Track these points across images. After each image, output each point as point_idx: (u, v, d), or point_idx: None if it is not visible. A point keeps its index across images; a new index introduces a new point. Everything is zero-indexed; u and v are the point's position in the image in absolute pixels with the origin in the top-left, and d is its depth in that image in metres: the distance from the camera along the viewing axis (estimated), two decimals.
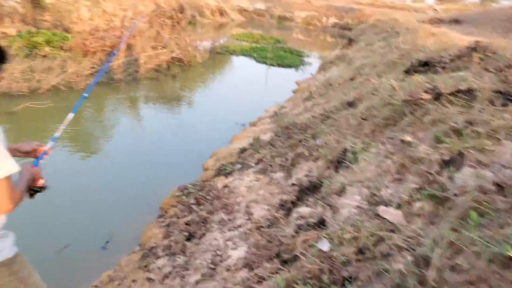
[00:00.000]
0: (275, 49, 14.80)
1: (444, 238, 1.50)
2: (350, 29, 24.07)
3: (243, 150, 5.32)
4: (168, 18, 11.40)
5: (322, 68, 10.30)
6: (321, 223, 2.23)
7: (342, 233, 1.98)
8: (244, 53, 14.62)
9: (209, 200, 3.94)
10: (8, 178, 1.47)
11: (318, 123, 4.21)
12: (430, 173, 2.12)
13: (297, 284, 1.80)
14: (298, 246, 2.10)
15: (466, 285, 1.31)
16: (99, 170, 5.21)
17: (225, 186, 4.14)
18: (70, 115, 1.89)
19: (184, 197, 4.20)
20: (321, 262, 1.86)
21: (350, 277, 1.75)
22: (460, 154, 2.08)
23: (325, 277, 1.79)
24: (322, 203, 2.48)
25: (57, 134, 1.90)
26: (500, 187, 1.69)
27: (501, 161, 1.92)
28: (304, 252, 2.04)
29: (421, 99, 2.74)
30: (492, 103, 2.34)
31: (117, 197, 4.55)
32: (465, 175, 1.92)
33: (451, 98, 2.58)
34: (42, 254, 3.22)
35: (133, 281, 2.98)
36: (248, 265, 2.47)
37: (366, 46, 9.97)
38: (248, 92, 10.17)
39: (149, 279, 2.93)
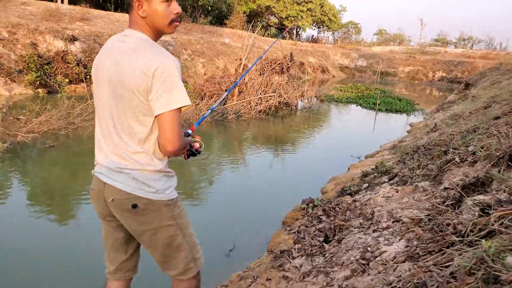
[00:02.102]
0: (382, 97, 14.42)
1: None
2: (459, 82, 22.62)
3: (366, 174, 4.99)
4: (278, 66, 12.01)
5: (441, 108, 9.59)
6: None
7: None
8: (350, 101, 14.52)
9: (339, 211, 3.67)
10: (178, 112, 1.46)
11: (464, 136, 3.75)
12: None
13: (509, 250, 1.43)
14: (494, 223, 1.72)
15: None
16: (221, 193, 5.31)
17: (355, 201, 3.84)
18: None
19: (310, 209, 4.00)
20: None
21: None
22: None
23: None
24: (506, 189, 2.07)
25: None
26: None
27: None
28: (504, 228, 1.66)
29: None
30: None
31: (237, 215, 4.54)
32: None
33: None
34: None
35: (268, 279, 2.79)
36: (412, 257, 2.12)
37: (492, 85, 9.10)
38: (357, 133, 9.91)
39: (286, 277, 2.71)
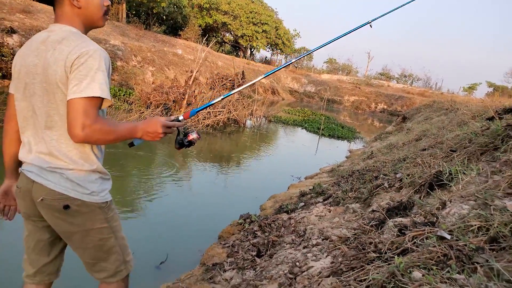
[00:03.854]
0: (327, 123, 15.06)
1: None
2: (398, 115, 24.31)
3: (303, 194, 5.15)
4: (229, 82, 12.15)
5: (378, 138, 10.22)
6: (430, 224, 2.00)
7: (465, 225, 1.76)
8: (296, 124, 14.98)
9: (274, 228, 3.74)
10: (92, 101, 1.36)
11: (394, 164, 4.04)
12: None
13: (418, 267, 1.57)
14: (408, 242, 1.87)
15: None
16: (157, 206, 5.19)
17: (290, 218, 3.95)
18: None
19: (246, 224, 4.04)
20: (445, 248, 1.63)
21: (487, 262, 1.50)
22: None
23: (452, 263, 1.55)
24: (422, 213, 2.26)
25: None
26: None
27: None
28: (415, 246, 1.81)
29: None
30: None
31: (174, 228, 4.45)
32: None
33: None
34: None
35: None
36: (335, 273, 2.22)
37: (425, 120, 9.90)
38: (300, 155, 10.22)
39: None
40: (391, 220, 2.39)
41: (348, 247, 2.43)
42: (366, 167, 4.67)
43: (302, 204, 4.46)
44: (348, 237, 2.52)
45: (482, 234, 1.65)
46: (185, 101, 11.03)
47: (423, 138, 6.18)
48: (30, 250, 1.68)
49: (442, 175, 2.67)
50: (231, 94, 2.25)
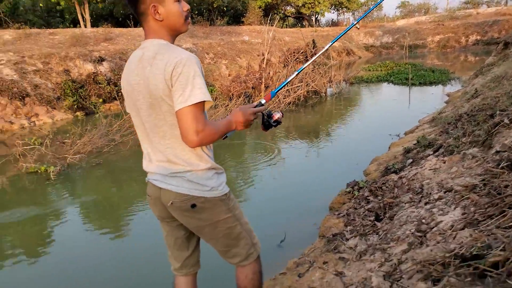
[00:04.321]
0: (414, 70, 13.94)
1: None
2: (497, 43, 21.39)
3: (408, 150, 4.86)
4: (301, 54, 11.92)
5: (479, 73, 9.15)
6: None
7: None
8: (380, 79, 14.16)
9: (386, 190, 3.61)
10: (198, 106, 1.44)
11: (511, 96, 3.58)
12: None
13: None
14: None
15: None
16: (262, 189, 5.35)
17: (401, 177, 3.77)
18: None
19: (356, 192, 3.97)
20: None
21: None
22: None
23: None
24: None
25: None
26: None
27: None
28: None
29: None
30: None
31: (284, 209, 4.56)
32: None
33: None
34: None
35: (324, 262, 2.79)
36: (471, 223, 2.07)
37: None
38: (393, 111, 9.65)
39: (343, 259, 2.71)
40: None
41: (478, 195, 2.24)
42: (475, 107, 4.22)
43: (410, 161, 4.22)
44: (476, 185, 2.32)
45: None
46: (262, 85, 11.14)
47: None
48: (171, 247, 1.88)
49: None
50: (304, 68, 2.20)
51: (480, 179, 2.36)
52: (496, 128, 3.05)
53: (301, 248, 3.40)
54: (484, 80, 7.18)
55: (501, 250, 1.59)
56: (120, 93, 13.14)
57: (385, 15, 41.60)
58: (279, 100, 10.77)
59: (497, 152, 2.79)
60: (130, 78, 1.60)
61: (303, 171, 5.80)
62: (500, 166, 2.26)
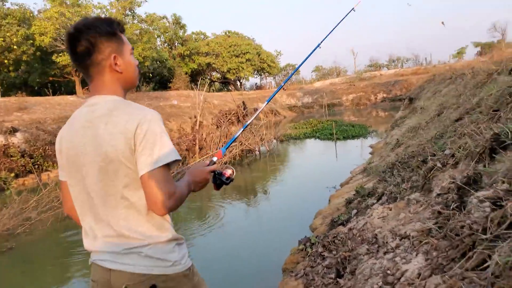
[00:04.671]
0: (337, 126, 14.98)
1: None
2: (401, 100, 24.17)
3: (350, 201, 4.99)
4: (234, 116, 12.20)
5: (395, 125, 10.08)
6: None
7: None
8: (307, 136, 14.91)
9: (339, 244, 3.57)
10: (166, 168, 1.30)
11: (435, 142, 3.90)
12: None
13: None
14: (511, 213, 1.72)
15: None
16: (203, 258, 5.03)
17: (351, 229, 3.78)
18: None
19: (309, 249, 3.87)
20: None
21: None
22: None
23: None
24: (504, 180, 2.12)
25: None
26: None
27: None
28: None
29: None
30: None
31: (233, 275, 4.28)
32: None
33: None
34: None
35: None
36: (437, 269, 2.06)
37: (434, 95, 9.79)
38: (324, 165, 10.07)
39: None
40: (472, 197, 2.24)
41: (436, 239, 2.27)
42: (405, 155, 4.52)
43: (355, 211, 4.30)
44: (431, 228, 2.36)
45: None
46: (197, 147, 11.04)
47: (445, 111, 6.05)
48: None
49: (501, 137, 2.54)
50: (249, 124, 2.25)
51: (434, 222, 2.42)
52: (432, 172, 3.25)
53: None
54: (401, 131, 7.87)
55: None
56: (36, 165, 12.02)
57: (303, 78, 45.21)
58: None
59: (438, 194, 2.93)
60: (75, 140, 1.37)
61: (248, 233, 5.61)
62: (451, 207, 2.35)
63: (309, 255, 3.72)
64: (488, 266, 1.61)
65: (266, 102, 2.47)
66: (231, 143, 1.94)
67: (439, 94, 9.37)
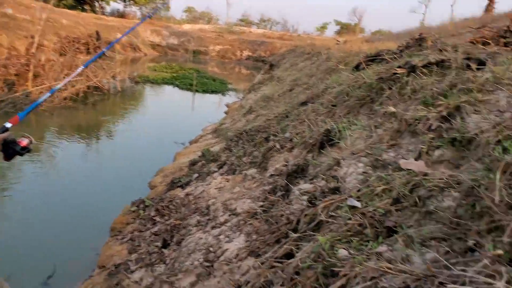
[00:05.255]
0: (198, 77, 14.75)
1: (500, 161, 1.49)
2: (263, 61, 25.28)
3: (194, 163, 5.00)
4: (83, 45, 10.66)
5: (252, 89, 10.47)
6: (336, 190, 2.10)
7: (370, 190, 1.87)
8: (166, 82, 14.28)
9: (173, 209, 3.55)
10: None
11: (280, 122, 4.15)
12: (430, 130, 2.16)
13: (340, 241, 1.62)
14: (321, 213, 1.92)
15: None
16: (27, 207, 4.41)
17: (188, 194, 3.80)
18: None
19: (141, 211, 3.74)
20: (360, 218, 1.71)
21: (395, 226, 1.63)
22: (457, 108, 2.16)
23: (368, 231, 1.64)
24: (323, 176, 2.36)
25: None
26: None
27: (500, 108, 2.03)
28: (329, 218, 1.88)
29: (396, 73, 2.86)
30: (467, 67, 2.53)
31: (56, 231, 3.87)
32: (475, 120, 1.98)
33: (425, 70, 2.74)
34: None
35: None
36: (253, 252, 2.21)
37: (291, 67, 10.46)
38: (178, 117, 9.86)
39: None
40: (295, 188, 2.44)
41: (259, 222, 2.43)
42: (252, 127, 4.71)
43: (196, 175, 4.32)
44: (257, 211, 2.51)
45: (387, 197, 1.78)
46: (31, 73, 9.33)
47: (295, 88, 6.51)
48: None
49: (331, 133, 2.82)
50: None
51: (260, 205, 2.58)
52: (270, 152, 3.45)
53: (75, 284, 2.93)
54: (256, 97, 8.21)
55: (281, 285, 1.72)
56: None
57: (172, 16, 42.57)
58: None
59: (271, 175, 3.14)
60: None
61: (80, 183, 5.11)
62: (277, 195, 2.53)
63: (140, 218, 3.60)
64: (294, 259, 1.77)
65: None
66: (35, 106, 1.65)
67: (295, 67, 10.03)
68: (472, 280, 0.99)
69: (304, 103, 4.46)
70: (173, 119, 9.56)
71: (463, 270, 1.05)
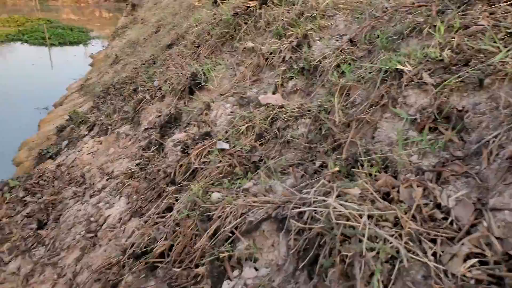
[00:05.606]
0: (51, 28, 12.81)
1: (336, 85, 1.64)
2: (125, 1, 22.99)
3: (61, 129, 4.53)
4: None
5: (116, 35, 9.56)
6: (207, 135, 2.11)
7: (236, 129, 1.93)
8: (11, 38, 12.12)
9: (45, 185, 3.23)
10: None
11: (147, 69, 3.92)
12: (284, 61, 2.26)
13: (213, 185, 1.68)
14: (194, 161, 1.94)
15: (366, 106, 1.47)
16: None
17: (60, 165, 3.47)
18: None
19: (7, 194, 3.32)
20: (229, 159, 1.78)
21: (261, 160, 1.74)
22: (305, 36, 2.28)
23: (237, 170, 1.72)
24: (195, 123, 2.35)
25: None
26: (353, 43, 1.94)
27: (339, 32, 2.21)
28: (202, 164, 1.91)
29: (249, 7, 2.86)
30: None
31: None
32: (319, 47, 2.13)
33: (276, 1, 2.78)
34: None
35: None
36: (137, 212, 2.17)
37: (155, 5, 9.74)
38: (34, 78, 8.59)
39: None
40: (169, 139, 2.40)
41: (138, 181, 2.36)
42: (119, 80, 4.37)
43: (66, 142, 3.94)
44: (134, 171, 2.43)
45: (251, 134, 1.86)
46: None
47: (161, 30, 6.14)
48: None
49: (197, 77, 2.77)
50: None
51: (136, 164, 2.49)
52: (141, 104, 3.28)
53: None
54: (121, 43, 7.58)
55: (164, 239, 1.75)
56: None
57: None
58: None
59: (146, 129, 3.03)
60: None
61: None
62: (151, 150, 2.46)
63: (7, 202, 3.21)
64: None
65: None
66: None
67: (159, 6, 9.37)
68: (315, 200, 1.12)
69: (169, 46, 4.25)
70: (30, 81, 8.30)
71: (308, 193, 1.18)
